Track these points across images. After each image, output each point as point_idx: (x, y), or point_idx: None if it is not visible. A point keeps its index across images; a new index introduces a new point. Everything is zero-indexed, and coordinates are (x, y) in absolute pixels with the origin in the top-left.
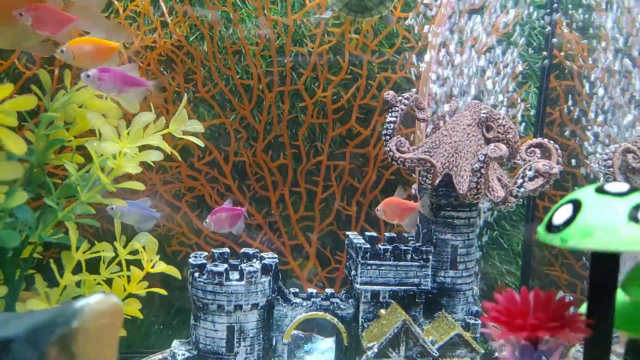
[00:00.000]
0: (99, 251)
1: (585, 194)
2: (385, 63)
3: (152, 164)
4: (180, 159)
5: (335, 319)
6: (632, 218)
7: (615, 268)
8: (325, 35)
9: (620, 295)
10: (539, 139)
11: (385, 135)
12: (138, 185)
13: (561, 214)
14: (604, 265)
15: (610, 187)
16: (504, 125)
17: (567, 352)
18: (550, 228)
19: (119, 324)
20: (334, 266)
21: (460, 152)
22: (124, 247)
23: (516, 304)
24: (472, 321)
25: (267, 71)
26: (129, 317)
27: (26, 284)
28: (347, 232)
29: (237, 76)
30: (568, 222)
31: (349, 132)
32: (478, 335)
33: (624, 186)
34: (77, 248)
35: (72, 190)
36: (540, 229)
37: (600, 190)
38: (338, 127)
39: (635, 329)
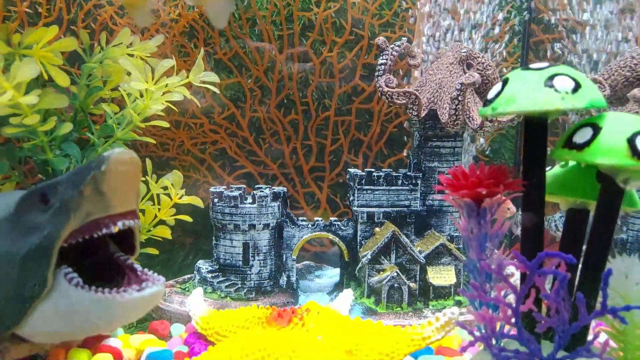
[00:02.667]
0: None
1: (512, 73)
2: (385, 25)
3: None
4: (198, 104)
5: (337, 238)
6: (547, 85)
7: (543, 135)
8: (330, 1)
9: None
10: None
11: (377, 76)
12: (164, 123)
13: (492, 90)
14: (535, 132)
15: (533, 65)
16: (482, 63)
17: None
18: (485, 103)
19: (138, 172)
20: (342, 210)
21: (444, 87)
22: (155, 182)
23: (464, 174)
24: (455, 234)
25: (278, 35)
26: (161, 239)
27: None
28: (349, 169)
29: (251, 41)
30: (497, 94)
31: (354, 90)
32: (461, 246)
33: (544, 63)
34: None
35: (109, 129)
36: (480, 109)
37: (525, 68)
38: (344, 85)
39: (569, 192)
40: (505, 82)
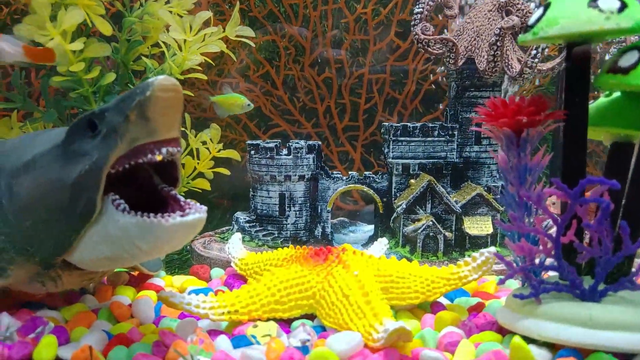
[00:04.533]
0: None
1: None
2: None
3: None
4: (234, 57)
5: (371, 191)
6: (591, 5)
7: (586, 63)
8: None
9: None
10: None
11: (413, 25)
12: (202, 76)
13: (533, 16)
14: (577, 59)
15: None
16: (522, 10)
17: None
18: (525, 29)
19: (181, 99)
20: (376, 169)
21: (482, 35)
22: (195, 137)
23: (503, 103)
24: (493, 184)
25: None
26: (200, 191)
27: None
28: (384, 123)
29: None
30: (539, 19)
31: (389, 47)
32: (498, 196)
33: None
34: None
35: None
36: (520, 35)
37: None
38: (378, 42)
39: (613, 123)
40: (547, 7)
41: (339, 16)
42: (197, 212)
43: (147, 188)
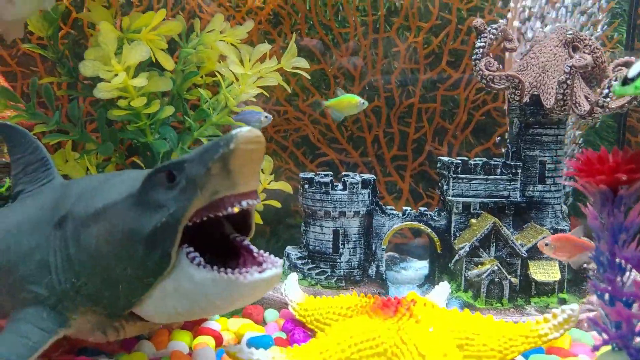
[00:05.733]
0: None
1: None
2: (473, 9)
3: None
4: (288, 89)
5: (429, 229)
6: None
7: None
8: None
9: None
10: (626, 58)
11: (475, 59)
12: (258, 108)
13: (634, 69)
14: None
15: None
16: (590, 46)
17: None
18: (625, 82)
19: (263, 151)
20: (426, 201)
21: (547, 71)
22: None
23: (600, 159)
24: (560, 227)
25: (362, 21)
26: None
27: None
28: (439, 157)
29: (336, 26)
30: None
31: (439, 76)
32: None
33: None
34: None
35: (204, 114)
36: (616, 86)
37: None
38: (429, 71)
39: None
40: None
41: (390, 45)
42: (274, 267)
43: (216, 233)
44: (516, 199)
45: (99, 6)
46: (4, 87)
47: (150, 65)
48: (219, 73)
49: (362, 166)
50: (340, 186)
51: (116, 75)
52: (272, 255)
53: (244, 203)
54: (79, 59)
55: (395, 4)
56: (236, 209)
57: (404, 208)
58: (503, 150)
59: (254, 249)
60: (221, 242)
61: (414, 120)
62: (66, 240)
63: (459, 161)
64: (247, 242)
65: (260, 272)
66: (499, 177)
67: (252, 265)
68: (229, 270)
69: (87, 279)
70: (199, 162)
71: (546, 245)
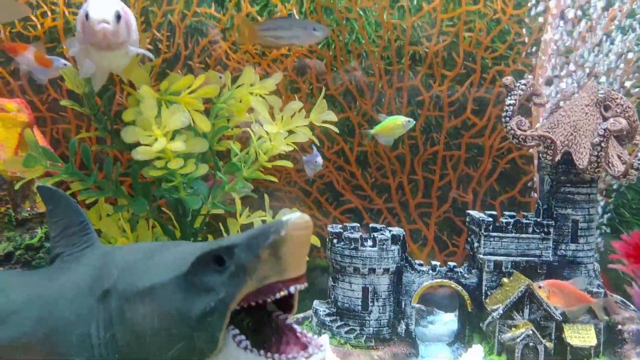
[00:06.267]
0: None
1: None
2: (498, 58)
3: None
4: (317, 143)
5: (460, 287)
6: None
7: None
8: (441, 35)
9: None
10: None
11: (505, 117)
12: (288, 164)
13: None
14: None
15: None
16: (622, 105)
17: None
18: None
19: (311, 234)
20: (451, 250)
21: (579, 130)
22: (273, 217)
23: None
24: (594, 289)
25: (386, 69)
26: None
27: None
28: (468, 211)
29: (361, 74)
30: None
31: (464, 124)
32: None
33: None
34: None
35: (235, 167)
36: None
37: None
38: (453, 119)
39: None
40: None
41: (414, 93)
42: (319, 351)
43: (258, 310)
44: (548, 258)
45: (138, 67)
46: (45, 147)
47: None
48: (251, 130)
49: (386, 212)
50: (369, 242)
51: (156, 140)
52: (315, 337)
53: (292, 288)
54: (114, 115)
55: (419, 53)
56: (283, 293)
57: (433, 263)
58: (527, 197)
59: (297, 328)
60: (258, 313)
61: (438, 167)
62: (110, 316)
63: (490, 219)
64: (289, 321)
65: (306, 357)
66: (531, 235)
67: (295, 345)
68: (276, 355)
69: (128, 356)
70: (248, 248)
71: (540, 287)
